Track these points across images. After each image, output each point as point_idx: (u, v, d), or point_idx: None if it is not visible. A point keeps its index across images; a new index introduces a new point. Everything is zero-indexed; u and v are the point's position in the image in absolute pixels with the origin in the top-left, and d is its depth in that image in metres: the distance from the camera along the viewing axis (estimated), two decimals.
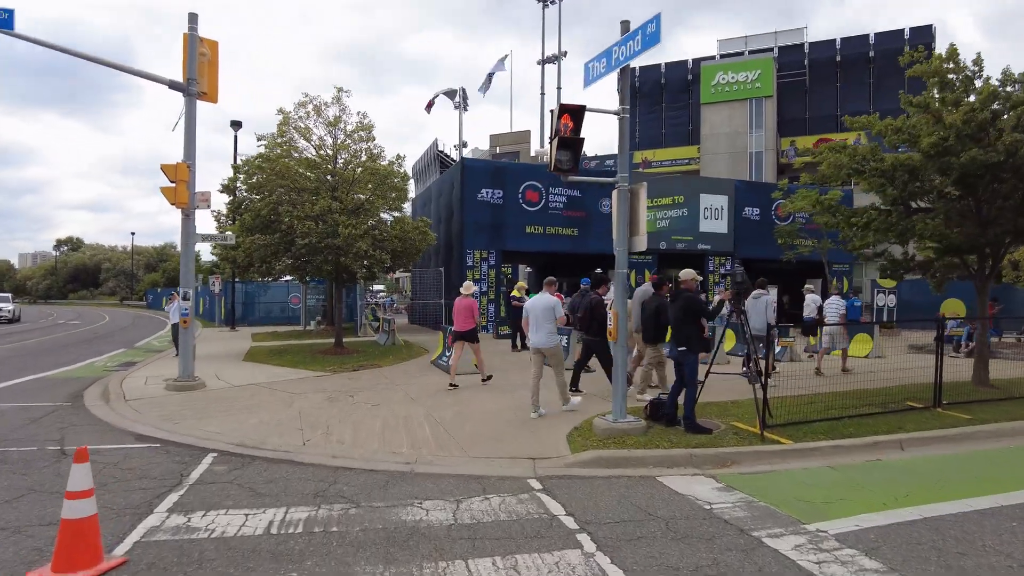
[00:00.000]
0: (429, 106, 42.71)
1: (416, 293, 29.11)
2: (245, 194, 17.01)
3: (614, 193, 8.01)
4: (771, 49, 45.21)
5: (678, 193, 25.82)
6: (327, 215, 14.86)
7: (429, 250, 27.43)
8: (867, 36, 43.43)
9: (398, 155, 16.94)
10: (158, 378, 12.06)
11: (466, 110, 50.21)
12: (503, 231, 23.02)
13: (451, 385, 10.86)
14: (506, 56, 44.78)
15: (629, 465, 6.45)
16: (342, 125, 16.17)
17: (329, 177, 16.07)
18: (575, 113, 7.48)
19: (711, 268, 26.44)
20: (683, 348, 7.77)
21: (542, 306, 8.98)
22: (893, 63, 46.20)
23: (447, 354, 12.92)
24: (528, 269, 31.83)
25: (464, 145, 42.63)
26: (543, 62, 54.23)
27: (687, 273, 8.42)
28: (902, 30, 42.55)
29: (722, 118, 44.94)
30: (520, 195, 23.21)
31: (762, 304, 11.48)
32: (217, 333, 25.86)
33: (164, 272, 77.09)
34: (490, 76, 45.43)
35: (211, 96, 11.43)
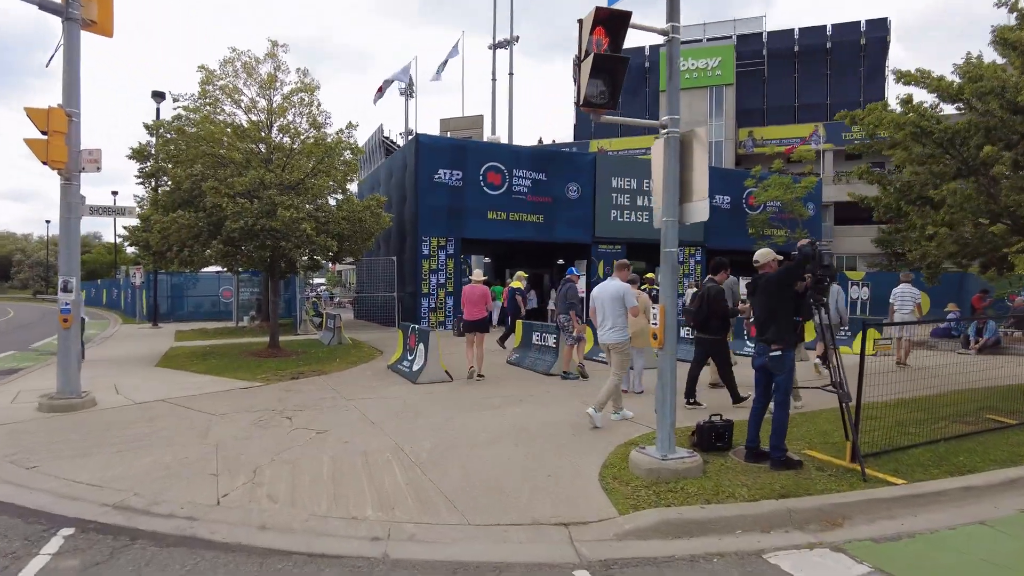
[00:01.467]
0: (379, 92, 39.80)
1: (363, 286, 26.47)
2: (162, 162, 14.13)
3: (658, 143, 5.88)
4: (730, 37, 44.28)
5: (646, 176, 24.08)
6: (259, 191, 12.28)
7: (378, 238, 24.96)
8: (825, 27, 42.98)
9: (349, 123, 14.44)
10: (35, 392, 9.27)
11: (412, 96, 47.55)
12: (463, 216, 20.74)
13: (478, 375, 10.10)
14: (458, 41, 42.24)
15: (711, 531, 4.38)
16: (278, 85, 13.54)
17: (262, 147, 13.44)
18: (613, 22, 5.24)
19: (681, 259, 24.87)
20: (777, 351, 5.72)
21: (611, 294, 7.47)
22: (850, 55, 46.70)
23: (409, 357, 10.63)
24: (486, 259, 29.64)
25: (410, 134, 39.97)
26: (494, 47, 51.92)
27: (766, 254, 6.44)
28: (858, 22, 42.28)
29: (681, 106, 43.50)
30: (481, 177, 20.98)
31: (832, 293, 9.54)
32: (136, 330, 22.62)
33: (84, 264, 71.06)
34: (443, 63, 42.79)
35: (103, 27, 8.72)
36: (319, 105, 13.88)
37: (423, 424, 7.40)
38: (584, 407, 7.55)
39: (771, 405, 5.87)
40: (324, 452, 6.25)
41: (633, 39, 49.71)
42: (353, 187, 18.88)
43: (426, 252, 20.32)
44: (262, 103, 13.53)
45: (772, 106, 44.50)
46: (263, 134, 13.47)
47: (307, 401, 8.77)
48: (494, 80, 60.18)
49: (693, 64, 43.12)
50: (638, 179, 23.70)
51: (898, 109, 10.18)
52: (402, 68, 41.34)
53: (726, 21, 45.35)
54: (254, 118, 13.49)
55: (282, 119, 13.59)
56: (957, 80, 9.14)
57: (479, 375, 10.10)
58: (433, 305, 20.41)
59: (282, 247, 12.64)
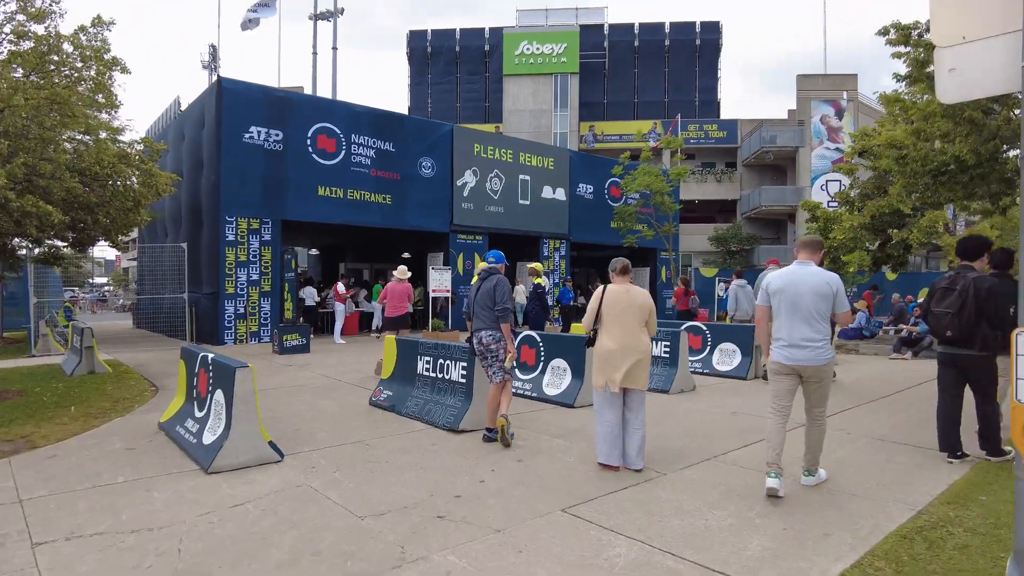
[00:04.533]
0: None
1: (144, 284, 19.87)
2: None
3: None
4: (572, 25, 42.63)
5: (521, 149, 20.63)
6: None
7: (163, 218, 18.75)
8: (663, 24, 42.97)
9: (97, 17, 9.01)
10: None
11: (216, 69, 40.34)
12: (284, 192, 15.67)
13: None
14: None
15: None
16: None
17: None
18: None
19: (546, 253, 21.79)
20: None
21: (813, 288, 4.34)
22: (686, 55, 47.47)
23: (197, 414, 5.84)
24: (313, 251, 24.34)
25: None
26: (315, 18, 45.90)
27: None
28: (694, 23, 42.80)
29: (526, 93, 41.26)
30: (309, 141, 16.04)
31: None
32: None
33: None
34: (253, 20, 35.92)
35: None
36: None
37: None
38: (585, 523, 3.62)
39: None
40: None
41: (475, 19, 46.48)
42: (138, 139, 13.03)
43: (231, 238, 14.95)
44: None
45: (613, 101, 43.69)
46: None
47: None
48: (315, 54, 53.45)
49: (538, 49, 40.83)
50: (508, 157, 20.13)
51: None
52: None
53: (568, 8, 43.71)
54: None
55: None
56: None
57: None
58: (242, 310, 15.10)
59: None
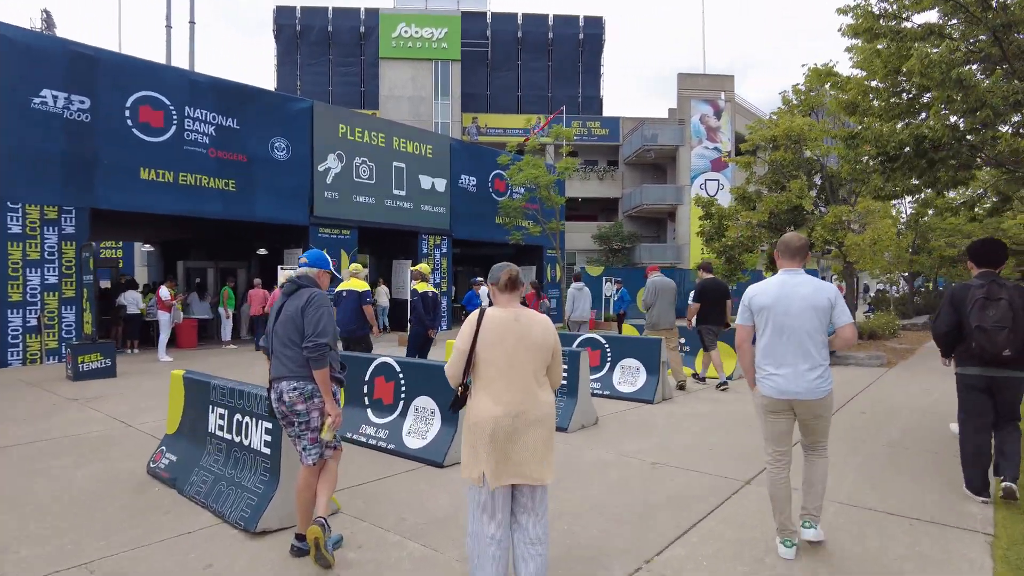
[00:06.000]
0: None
1: None
2: None
3: None
4: (454, 10, 40.61)
5: (394, 134, 18.37)
6: None
7: None
8: (547, 17, 42.00)
9: None
10: None
11: (54, 27, 35.12)
12: (93, 174, 12.63)
13: None
14: None
15: None
16: None
17: None
18: None
19: (425, 250, 19.79)
20: None
21: (810, 302, 3.51)
22: (570, 49, 46.72)
23: None
24: (147, 247, 20.80)
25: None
26: None
27: None
28: (577, 17, 42.19)
29: (404, 78, 38.72)
30: (129, 112, 13.06)
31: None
32: None
33: None
34: None
35: None
36: None
37: None
38: None
39: None
40: None
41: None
42: None
43: (17, 230, 11.78)
44: None
45: (496, 93, 42.18)
46: None
47: None
48: (168, 27, 48.39)
49: (417, 32, 38.42)
50: (380, 141, 17.86)
51: None
52: None
53: None
54: None
55: None
56: None
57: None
58: (34, 322, 11.95)
59: None
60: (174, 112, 13.68)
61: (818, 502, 3.58)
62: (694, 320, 9.08)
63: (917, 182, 7.11)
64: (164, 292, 12.40)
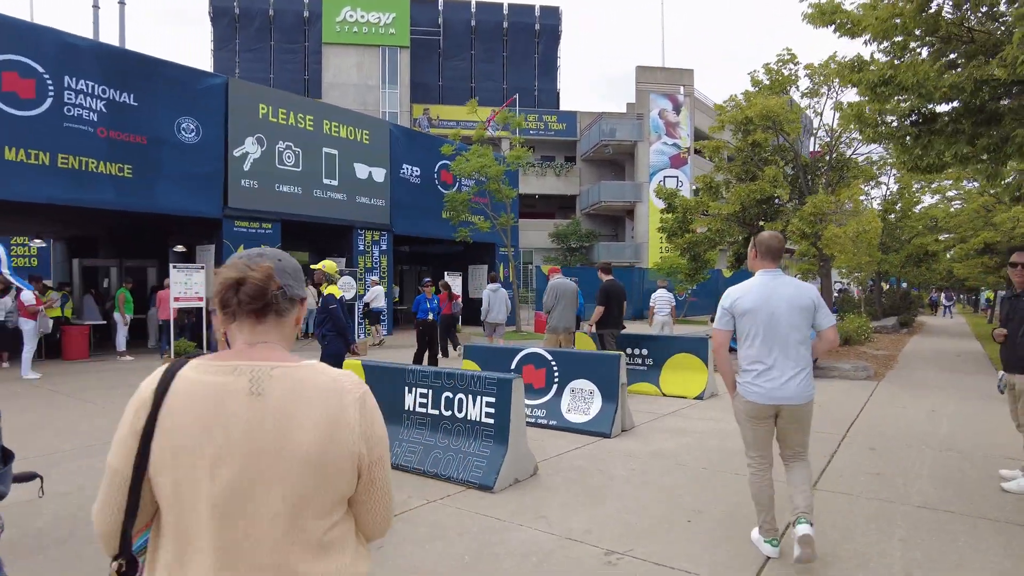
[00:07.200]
0: None
1: None
2: None
3: None
4: None
5: (325, 116, 16.42)
6: None
7: None
8: (502, 5, 40.34)
9: None
10: None
11: None
12: None
13: None
14: None
15: None
16: None
17: None
18: None
19: (361, 247, 17.92)
20: None
21: (792, 304, 3.47)
22: (525, 39, 45.14)
23: None
24: (37, 242, 18.34)
25: None
26: None
27: None
28: (533, 6, 40.67)
29: (349, 64, 36.55)
30: None
31: None
32: None
33: None
34: None
35: None
36: None
37: None
38: None
39: None
40: None
41: None
42: None
43: None
44: None
45: (448, 84, 40.33)
46: None
47: None
48: (96, 7, 45.09)
49: (363, 16, 36.29)
50: (308, 124, 15.92)
51: None
52: None
53: None
54: None
55: None
56: None
57: None
58: None
59: None
60: (49, 82, 11.54)
61: (810, 500, 3.48)
62: (595, 325, 8.92)
63: (969, 149, 5.55)
64: (29, 296, 10.28)
